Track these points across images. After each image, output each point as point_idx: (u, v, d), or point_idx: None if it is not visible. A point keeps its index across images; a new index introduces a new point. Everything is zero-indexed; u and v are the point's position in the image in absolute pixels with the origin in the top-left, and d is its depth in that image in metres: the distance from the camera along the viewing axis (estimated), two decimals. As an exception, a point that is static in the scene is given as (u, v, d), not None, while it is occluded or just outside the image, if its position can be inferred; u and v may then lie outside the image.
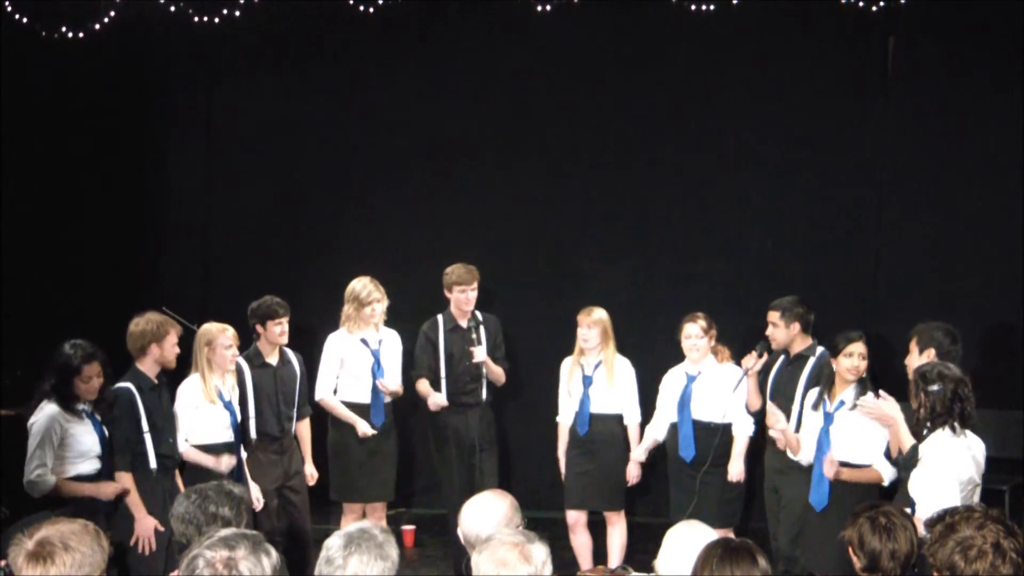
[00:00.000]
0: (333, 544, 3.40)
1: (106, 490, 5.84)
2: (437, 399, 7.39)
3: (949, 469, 4.93)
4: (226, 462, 6.35)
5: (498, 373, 7.54)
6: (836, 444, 6.13)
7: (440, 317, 7.53)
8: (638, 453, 7.18)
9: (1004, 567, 3.33)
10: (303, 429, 7.10)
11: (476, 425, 7.39)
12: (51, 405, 5.76)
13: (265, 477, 6.75)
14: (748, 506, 7.38)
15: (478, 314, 7.53)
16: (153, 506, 5.92)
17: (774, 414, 6.40)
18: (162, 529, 5.83)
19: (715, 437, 6.87)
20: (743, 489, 7.02)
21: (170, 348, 6.14)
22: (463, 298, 7.40)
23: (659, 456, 8.35)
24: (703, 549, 3.49)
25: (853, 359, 6.15)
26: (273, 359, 6.94)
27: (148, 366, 6.10)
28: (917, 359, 5.83)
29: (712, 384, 6.96)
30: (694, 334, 6.97)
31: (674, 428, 7.06)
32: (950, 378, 5.05)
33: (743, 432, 6.92)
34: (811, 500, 6.18)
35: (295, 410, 7.00)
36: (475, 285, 7.42)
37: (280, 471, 6.86)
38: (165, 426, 6.13)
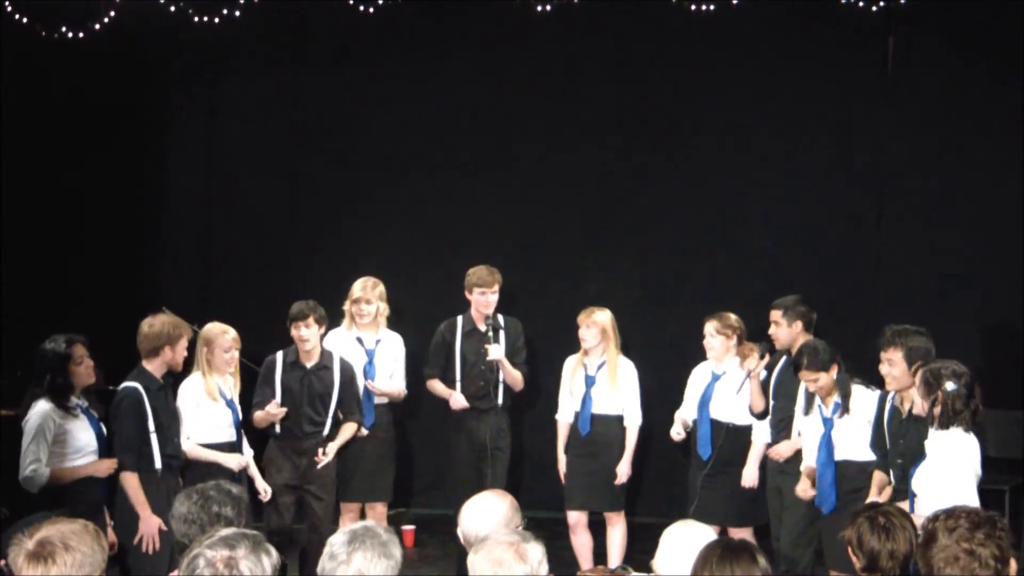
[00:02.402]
0: (337, 540, 3.41)
1: (102, 466, 5.84)
2: (458, 399, 7.35)
3: (964, 466, 4.99)
4: (237, 461, 6.35)
5: (516, 377, 7.45)
6: (839, 446, 6.18)
7: (460, 319, 7.47)
8: (675, 431, 7.10)
9: (981, 570, 3.33)
10: (345, 426, 6.96)
11: (489, 429, 7.36)
12: (43, 402, 5.76)
13: (278, 472, 6.78)
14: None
15: (500, 317, 7.50)
16: (158, 506, 5.88)
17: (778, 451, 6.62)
18: (166, 528, 5.82)
19: (732, 438, 6.89)
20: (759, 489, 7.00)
21: (181, 351, 6.13)
22: (483, 300, 7.36)
23: (658, 456, 8.37)
24: (703, 549, 3.47)
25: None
26: (310, 363, 6.88)
27: (156, 366, 6.08)
28: (905, 371, 5.77)
29: (733, 385, 6.95)
30: (707, 332, 6.99)
31: (695, 426, 7.08)
32: (963, 375, 5.10)
33: (760, 438, 6.90)
34: (817, 503, 6.21)
35: (328, 417, 6.90)
36: (496, 288, 7.36)
37: (294, 471, 6.81)
38: (171, 426, 6.12)
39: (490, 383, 7.37)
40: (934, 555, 3.37)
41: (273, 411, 6.75)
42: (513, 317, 7.63)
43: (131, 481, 5.89)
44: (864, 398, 6.14)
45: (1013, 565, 3.43)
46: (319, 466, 6.81)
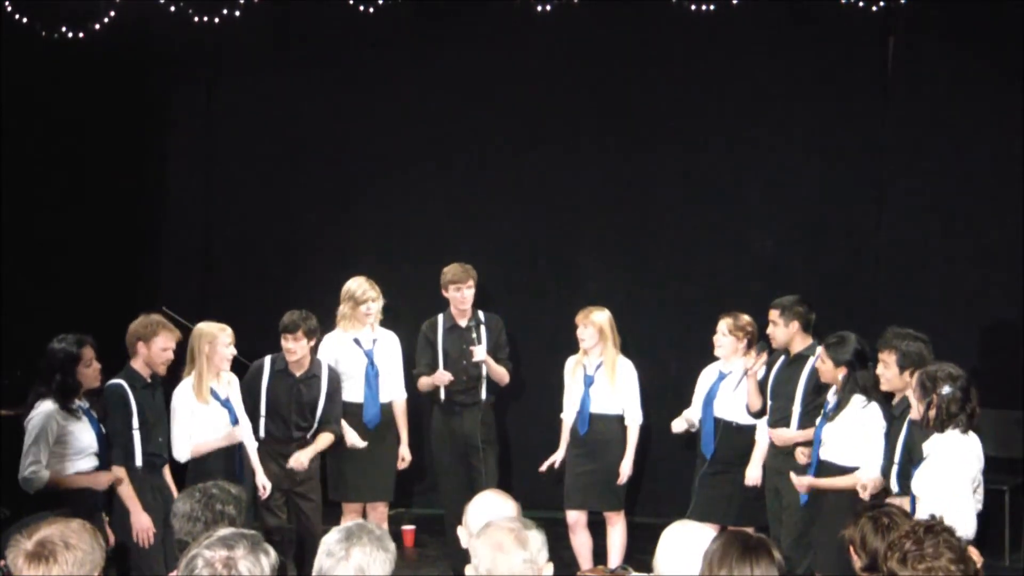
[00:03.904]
0: (331, 538, 3.41)
1: (101, 479, 5.85)
2: (442, 374, 7.36)
3: (961, 468, 5.00)
4: (233, 434, 6.42)
5: (500, 373, 7.53)
6: (827, 443, 6.17)
7: (440, 317, 7.54)
8: (676, 424, 7.15)
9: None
10: (321, 436, 6.96)
11: (474, 425, 7.39)
12: (47, 403, 5.76)
13: (267, 474, 6.77)
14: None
15: (480, 314, 7.54)
16: (142, 502, 5.96)
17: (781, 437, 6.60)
18: (154, 529, 5.92)
19: (733, 436, 6.91)
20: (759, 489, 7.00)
21: (158, 351, 6.10)
22: (458, 296, 7.40)
23: (658, 456, 8.37)
24: (718, 545, 3.40)
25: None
26: (299, 371, 6.90)
27: (140, 365, 6.12)
28: (897, 375, 5.77)
29: (738, 383, 6.96)
30: (719, 331, 6.99)
31: (700, 424, 7.08)
32: (959, 378, 5.10)
33: (764, 438, 6.89)
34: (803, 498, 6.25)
35: (315, 422, 6.92)
36: (471, 283, 7.41)
37: (281, 473, 6.83)
38: (156, 424, 6.15)
39: (473, 379, 7.41)
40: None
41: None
42: (493, 313, 7.65)
43: (122, 475, 5.93)
44: (856, 410, 6.08)
45: (973, 552, 3.44)
46: (292, 468, 6.80)
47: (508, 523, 3.42)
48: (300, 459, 6.83)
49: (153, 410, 6.13)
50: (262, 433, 6.86)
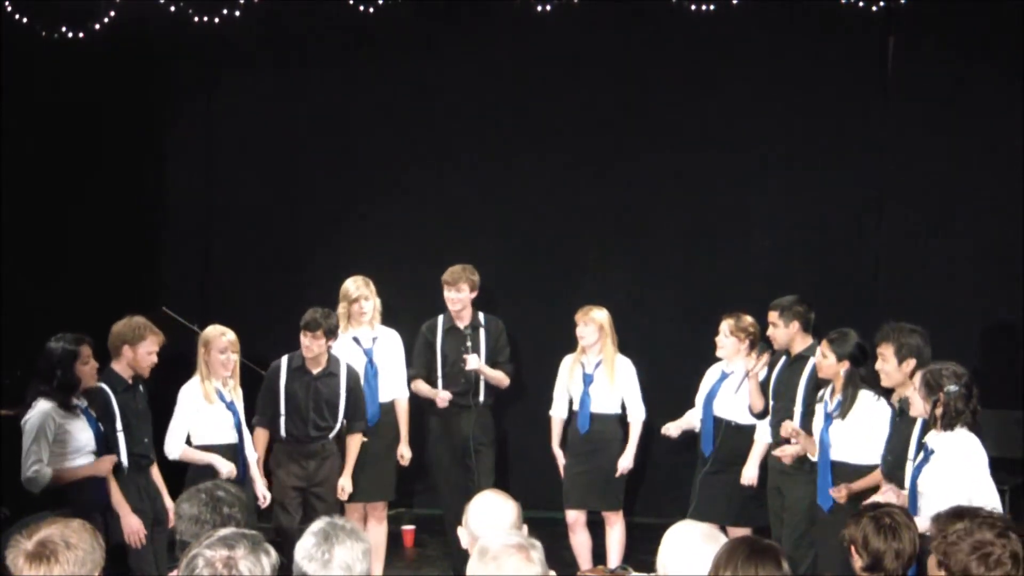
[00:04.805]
0: (308, 543, 3.41)
1: (103, 465, 5.87)
2: (443, 395, 7.38)
3: (978, 462, 5.03)
4: (229, 469, 6.37)
5: (499, 378, 7.49)
6: (836, 444, 6.13)
7: (440, 318, 7.53)
8: (670, 428, 7.14)
9: (1015, 569, 3.31)
10: (350, 441, 7.04)
11: (471, 426, 7.38)
12: (44, 402, 5.76)
13: (286, 475, 6.83)
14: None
15: (480, 316, 7.52)
16: (129, 503, 5.98)
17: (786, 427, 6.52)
18: (145, 530, 5.97)
19: (733, 436, 6.90)
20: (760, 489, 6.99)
21: (144, 355, 6.12)
22: (448, 298, 7.40)
23: (658, 456, 8.36)
24: (726, 547, 3.41)
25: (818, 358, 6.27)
26: (316, 368, 6.90)
27: (122, 367, 6.14)
28: (896, 367, 5.78)
29: (739, 385, 6.95)
30: (721, 330, 6.98)
31: (701, 423, 7.08)
32: (963, 375, 5.13)
33: (763, 438, 6.89)
34: (819, 501, 6.18)
35: (336, 422, 6.95)
36: (462, 287, 7.37)
37: (301, 473, 6.86)
38: (140, 426, 6.18)
39: (471, 382, 7.40)
40: (972, 552, 3.33)
41: None
42: (494, 316, 7.64)
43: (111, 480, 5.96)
44: (869, 405, 6.07)
45: None
46: (343, 490, 6.95)
47: (513, 541, 3.35)
48: (343, 487, 6.96)
49: (135, 412, 6.16)
50: (283, 432, 6.87)
